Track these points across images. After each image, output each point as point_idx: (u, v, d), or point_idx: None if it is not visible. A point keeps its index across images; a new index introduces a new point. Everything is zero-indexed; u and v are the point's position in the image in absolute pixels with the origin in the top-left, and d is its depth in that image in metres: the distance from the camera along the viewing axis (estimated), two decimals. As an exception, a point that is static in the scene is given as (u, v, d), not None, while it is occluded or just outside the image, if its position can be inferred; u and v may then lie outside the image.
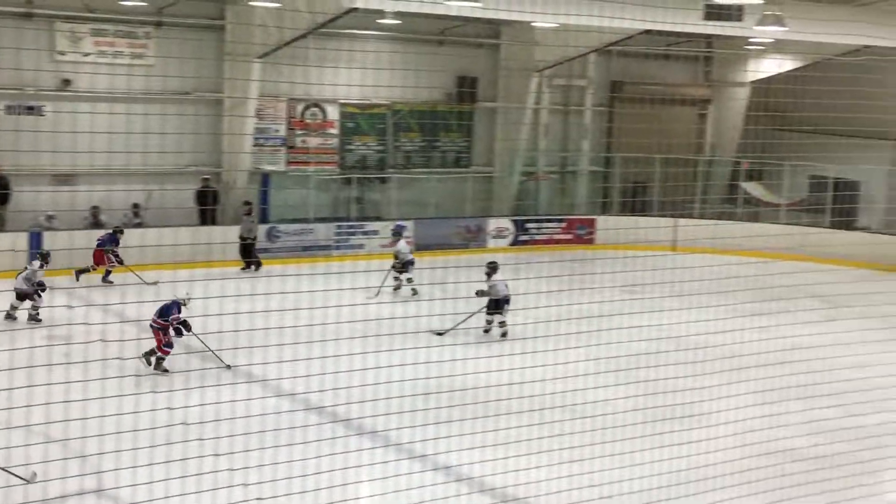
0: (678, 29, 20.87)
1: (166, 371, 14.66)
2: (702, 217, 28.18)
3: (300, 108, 26.23)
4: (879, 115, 24.26)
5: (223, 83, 24.42)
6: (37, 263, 17.56)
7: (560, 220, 28.16)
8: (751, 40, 28.12)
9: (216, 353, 14.30)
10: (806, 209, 30.11)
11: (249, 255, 22.62)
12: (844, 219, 28.60)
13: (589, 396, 14.11)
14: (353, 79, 24.63)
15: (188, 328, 14.71)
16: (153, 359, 14.78)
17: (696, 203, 29.28)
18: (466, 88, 28.00)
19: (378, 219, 26.24)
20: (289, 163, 26.20)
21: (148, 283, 19.59)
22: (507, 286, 17.72)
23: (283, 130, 26.02)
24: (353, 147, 27.17)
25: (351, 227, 25.48)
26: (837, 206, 28.35)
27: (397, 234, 21.69)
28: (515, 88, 28.32)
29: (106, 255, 20.45)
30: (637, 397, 11.47)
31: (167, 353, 14.82)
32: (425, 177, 27.31)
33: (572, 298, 18.73)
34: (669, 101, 31.19)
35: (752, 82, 32.09)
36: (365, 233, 25.42)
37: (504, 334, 17.30)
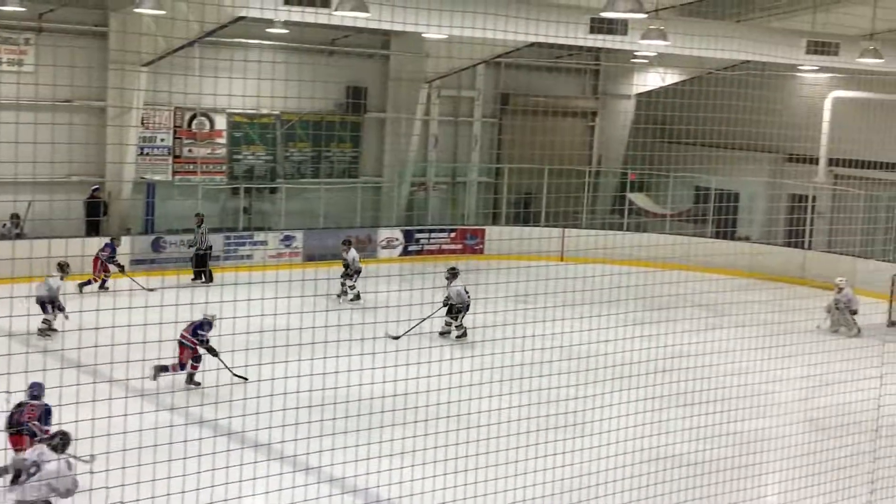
0: (564, 42, 21.12)
1: (199, 384, 15.07)
2: (590, 227, 28.59)
3: (187, 117, 25.83)
4: (758, 128, 24.91)
5: (107, 91, 23.89)
6: (56, 274, 17.56)
7: (450, 231, 28.25)
8: (636, 54, 28.64)
9: (231, 369, 14.31)
10: (690, 220, 30.79)
11: (202, 266, 22.64)
12: (726, 229, 29.33)
13: (478, 406, 14.14)
14: (242, 88, 24.35)
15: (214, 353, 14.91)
16: (162, 374, 14.77)
17: (583, 214, 29.70)
18: (356, 99, 27.92)
19: (268, 229, 26.00)
20: (175, 172, 25.77)
21: (147, 290, 19.12)
22: (467, 291, 19.00)
23: (168, 140, 25.58)
24: (241, 157, 26.87)
25: (239, 237, 25.17)
26: (720, 216, 29.05)
27: (348, 243, 22.09)
28: (405, 99, 28.38)
29: (108, 263, 21.00)
30: (525, 406, 11.51)
31: (196, 369, 15.18)
32: (315, 187, 27.14)
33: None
34: (558, 113, 31.61)
35: (638, 95, 32.69)
36: (254, 243, 25.14)
37: (462, 336, 18.90)
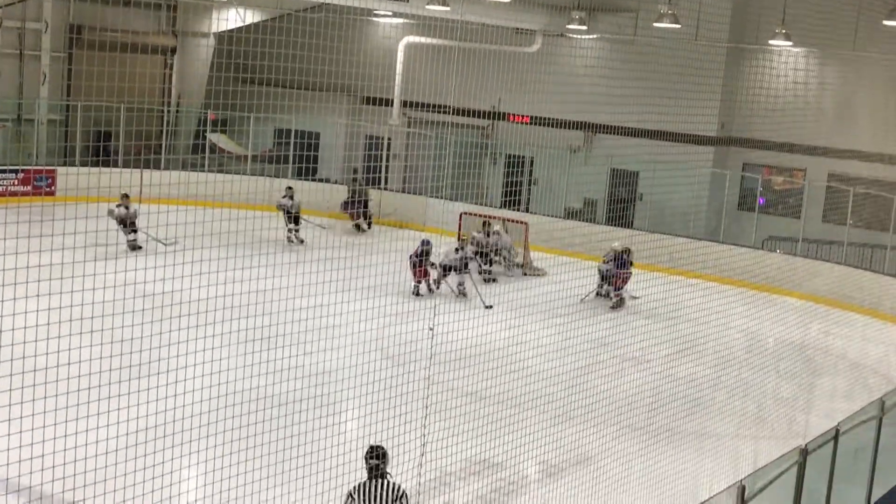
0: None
1: None
2: (168, 168, 27.99)
3: None
4: (337, 68, 25.43)
5: None
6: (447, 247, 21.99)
7: (17, 172, 26.51)
8: (214, -10, 28.24)
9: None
10: (271, 160, 30.99)
11: None
12: (306, 165, 29.85)
13: (56, 358, 13.45)
14: None
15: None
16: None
17: (163, 153, 29.01)
18: None
19: None
20: None
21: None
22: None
23: None
24: None
25: None
26: (300, 155, 29.48)
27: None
28: (-39, 28, 26.17)
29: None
30: (97, 347, 11.09)
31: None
32: None
33: (30, 252, 17.78)
34: (134, 49, 30.49)
35: (217, 33, 32.27)
36: None
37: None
